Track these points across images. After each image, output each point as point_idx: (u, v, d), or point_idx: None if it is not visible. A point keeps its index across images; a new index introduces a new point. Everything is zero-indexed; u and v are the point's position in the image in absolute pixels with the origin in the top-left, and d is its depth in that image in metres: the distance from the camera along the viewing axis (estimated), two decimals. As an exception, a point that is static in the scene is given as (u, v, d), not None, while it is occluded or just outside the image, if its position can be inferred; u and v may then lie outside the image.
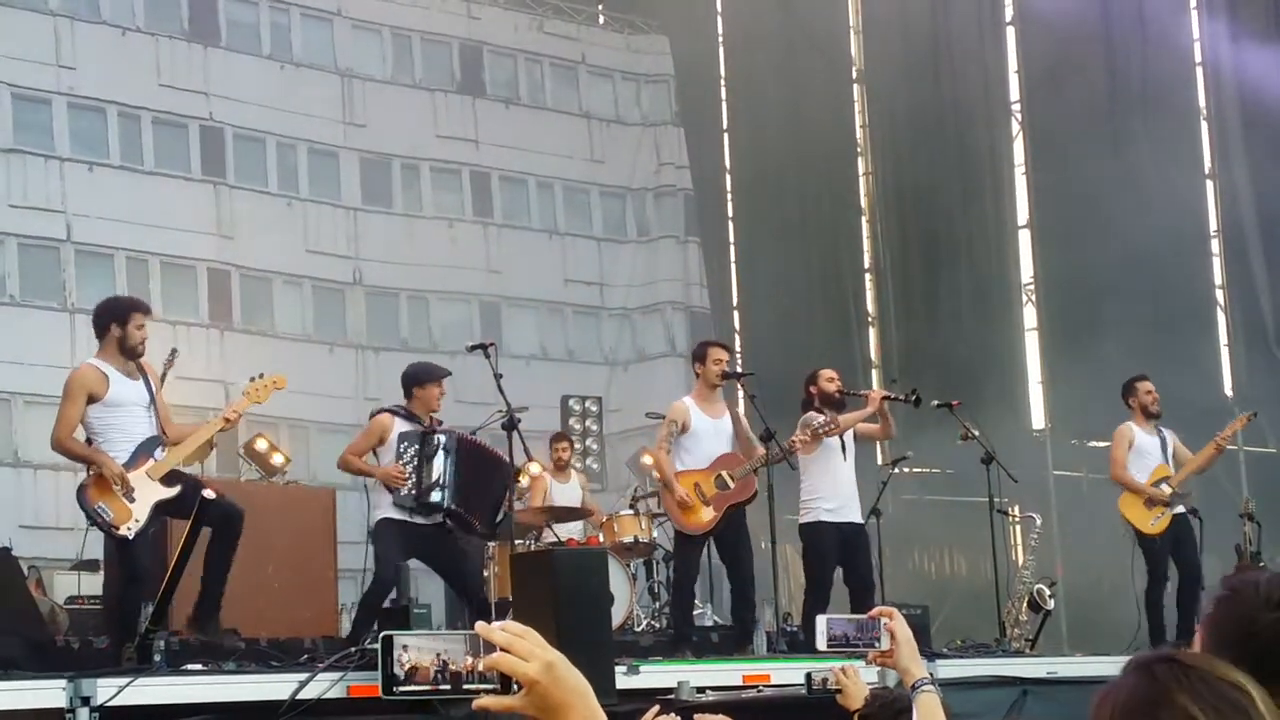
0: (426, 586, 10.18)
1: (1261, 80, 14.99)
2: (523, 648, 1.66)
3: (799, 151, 16.58)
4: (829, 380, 8.66)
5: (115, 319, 6.94)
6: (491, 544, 9.80)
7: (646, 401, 13.32)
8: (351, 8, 15.78)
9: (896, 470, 10.48)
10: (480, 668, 1.64)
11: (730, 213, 17.49)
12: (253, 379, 7.16)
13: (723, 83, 17.66)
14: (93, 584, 9.42)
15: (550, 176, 16.58)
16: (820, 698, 3.92)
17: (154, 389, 6.97)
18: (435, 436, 7.50)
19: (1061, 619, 12.05)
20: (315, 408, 13.13)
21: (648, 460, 12.73)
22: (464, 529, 7.65)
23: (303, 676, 6.14)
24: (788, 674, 7.09)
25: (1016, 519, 10.71)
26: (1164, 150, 15.21)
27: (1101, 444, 13.23)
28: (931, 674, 3.28)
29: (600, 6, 17.67)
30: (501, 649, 1.65)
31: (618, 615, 8.81)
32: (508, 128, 16.35)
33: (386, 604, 7.24)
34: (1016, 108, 16.06)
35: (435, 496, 7.40)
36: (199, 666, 6.53)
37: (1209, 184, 15.80)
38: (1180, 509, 9.34)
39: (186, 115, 14.56)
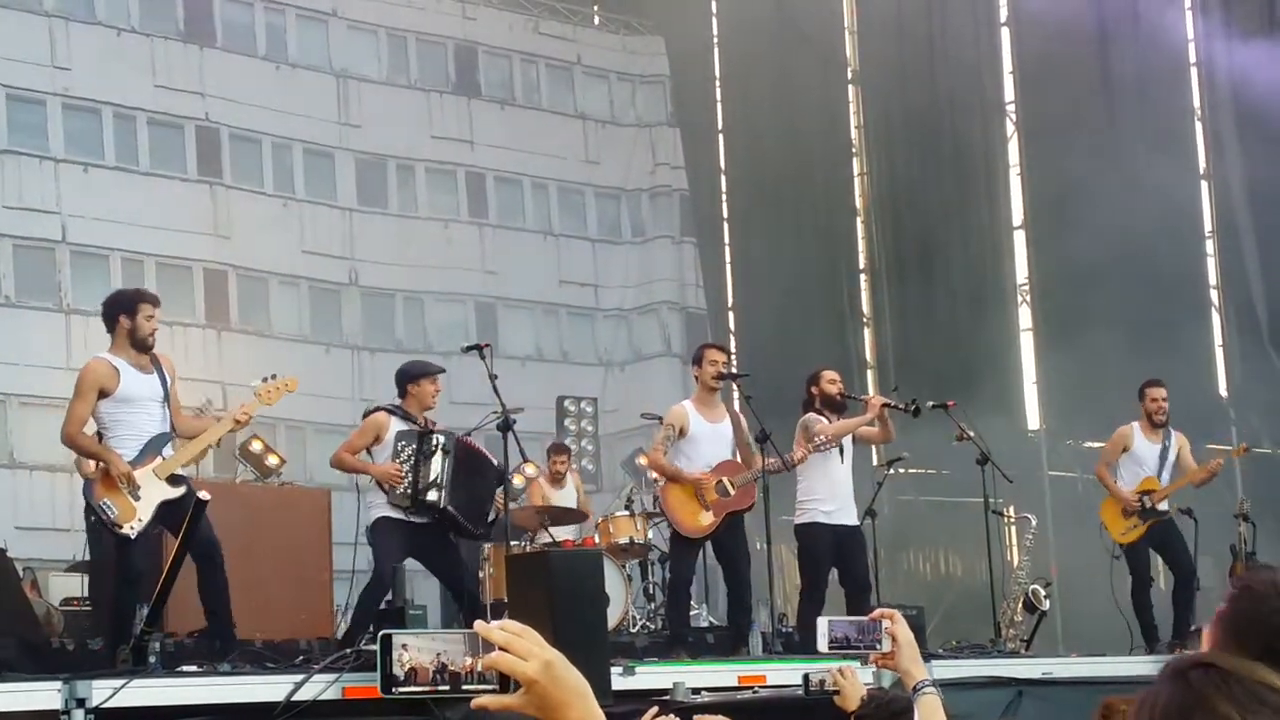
0: (423, 587, 10.17)
1: (1256, 79, 15.00)
2: (521, 647, 1.66)
3: (794, 152, 16.58)
4: (830, 382, 8.67)
5: (123, 310, 6.89)
6: (487, 545, 9.80)
7: (642, 402, 13.33)
8: (347, 8, 15.77)
9: (892, 471, 10.49)
10: (479, 667, 1.64)
11: (725, 213, 17.49)
12: (264, 379, 7.15)
13: (718, 83, 17.67)
14: (88, 586, 9.41)
15: (545, 177, 16.58)
16: (817, 699, 3.92)
17: (169, 382, 6.93)
18: (434, 436, 7.51)
19: (1056, 620, 12.06)
20: (312, 408, 13.11)
21: (643, 461, 12.75)
22: (456, 531, 7.65)
23: (298, 678, 6.14)
24: (783, 675, 7.09)
25: (1011, 520, 10.73)
26: (1158, 150, 15.21)
27: (1096, 445, 13.24)
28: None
29: (595, 7, 17.67)
30: (500, 648, 1.66)
31: (613, 616, 8.82)
32: (503, 128, 16.36)
33: (382, 605, 7.24)
34: (1011, 108, 16.06)
35: (432, 496, 7.39)
36: (194, 668, 6.53)
37: (1203, 183, 15.80)
38: (1155, 520, 9.35)
39: (182, 116, 14.55)
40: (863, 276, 16.99)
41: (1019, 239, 16.01)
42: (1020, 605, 9.41)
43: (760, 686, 7.06)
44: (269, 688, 6.11)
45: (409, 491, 7.40)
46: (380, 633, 5.71)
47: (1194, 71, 15.84)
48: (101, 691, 5.70)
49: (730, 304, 17.22)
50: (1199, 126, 15.81)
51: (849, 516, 8.59)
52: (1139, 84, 15.38)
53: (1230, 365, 15.41)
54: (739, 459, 8.27)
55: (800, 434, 8.51)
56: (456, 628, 8.40)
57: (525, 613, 6.54)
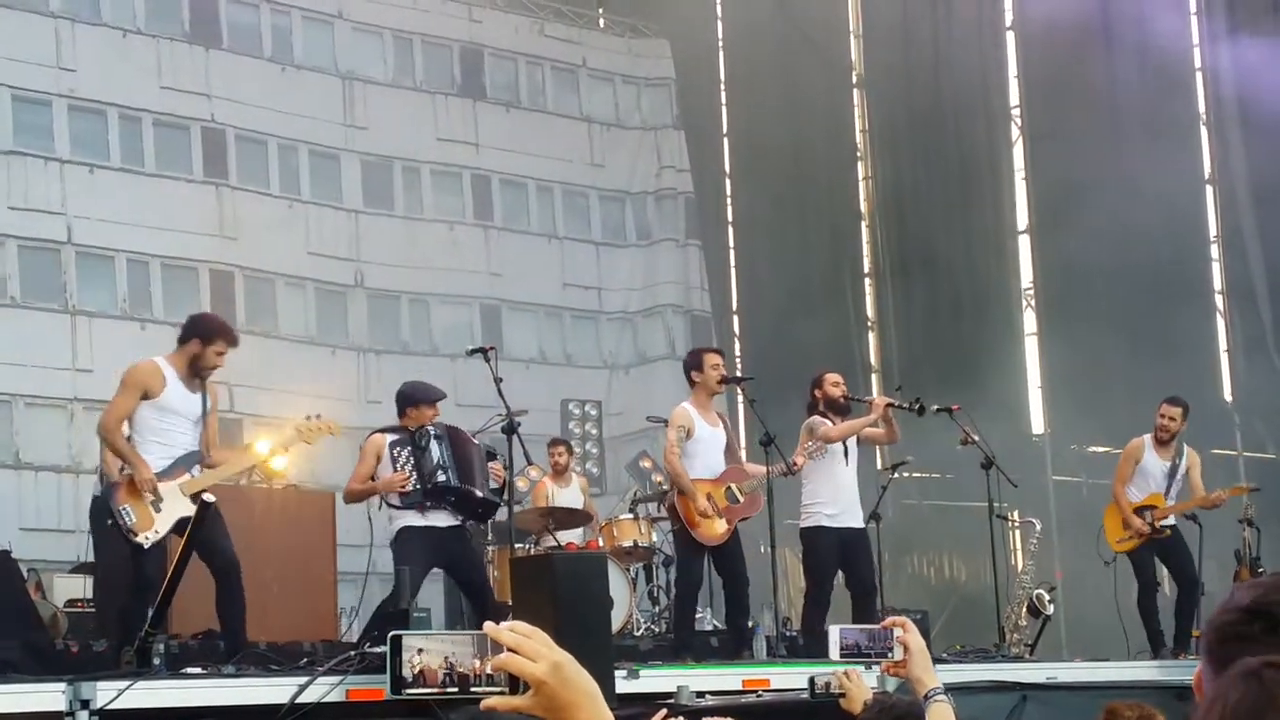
0: (426, 590, 10.17)
1: (1261, 84, 14.99)
2: (531, 648, 1.66)
3: (799, 155, 16.58)
4: (834, 385, 8.66)
5: (200, 336, 6.91)
6: (492, 548, 9.81)
7: (647, 405, 13.34)
8: (352, 10, 15.79)
9: (896, 475, 10.48)
10: (488, 668, 1.64)
11: (730, 216, 17.49)
12: (308, 417, 7.19)
13: (723, 87, 17.67)
14: (93, 588, 9.42)
15: (550, 180, 16.59)
16: (823, 702, 3.92)
17: (209, 408, 6.97)
18: (425, 429, 7.56)
19: (1061, 624, 12.05)
20: (318, 409, 13.08)
21: (647, 464, 12.75)
22: (474, 504, 7.63)
23: (302, 680, 6.14)
24: (787, 679, 7.09)
25: (1016, 524, 10.72)
26: (1163, 154, 15.20)
27: (1101, 449, 13.24)
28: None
29: (601, 10, 17.68)
30: (509, 649, 1.66)
31: (617, 619, 8.81)
32: (508, 131, 16.37)
33: (390, 609, 7.25)
34: (1016, 112, 16.05)
35: (441, 478, 7.44)
36: (198, 670, 6.54)
37: (1208, 188, 15.79)
38: (1164, 534, 9.37)
39: (188, 117, 14.57)
40: (867, 280, 16.98)
41: (1023, 243, 16.00)
42: (1024, 610, 9.40)
43: (764, 690, 7.06)
44: (273, 690, 6.11)
45: (419, 485, 7.43)
46: (390, 634, 5.71)
47: (1199, 76, 15.83)
48: (106, 693, 5.71)
49: (735, 307, 17.22)
50: (1204, 131, 15.79)
51: (854, 519, 8.58)
52: (1143, 88, 15.37)
53: (1235, 369, 15.38)
54: (733, 464, 8.29)
55: (805, 437, 8.51)
56: (460, 629, 8.42)
57: (529, 616, 6.54)
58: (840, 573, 8.59)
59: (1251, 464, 14.16)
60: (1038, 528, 10.11)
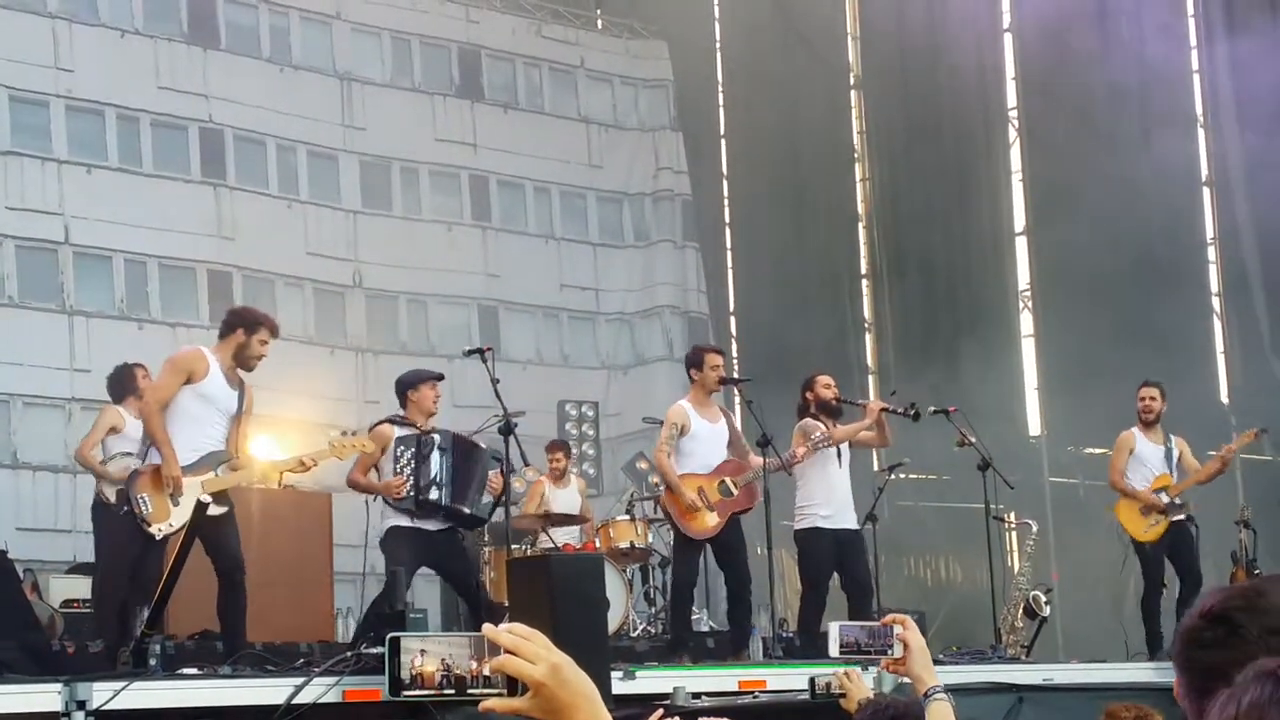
0: (423, 591, 10.18)
1: (1259, 87, 15.01)
2: (529, 650, 1.66)
3: (796, 157, 16.59)
4: (825, 387, 8.67)
5: (244, 325, 7.00)
6: (488, 549, 9.81)
7: (645, 406, 13.34)
8: (350, 11, 15.78)
9: (892, 476, 10.50)
10: (486, 670, 1.64)
11: (727, 218, 17.50)
12: (343, 433, 7.42)
13: (720, 88, 17.67)
14: (89, 588, 9.41)
15: (548, 181, 16.58)
16: (822, 703, 3.93)
17: (244, 408, 7.00)
18: (431, 436, 7.57)
19: (1057, 626, 12.05)
20: (317, 409, 13.13)
21: (644, 465, 12.75)
22: (461, 523, 7.67)
23: (298, 681, 6.14)
24: (784, 680, 7.10)
25: (1013, 525, 10.74)
26: (1160, 157, 15.22)
27: (1098, 450, 13.24)
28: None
29: (599, 11, 17.68)
30: (508, 651, 1.66)
31: (613, 620, 8.82)
32: (506, 132, 16.36)
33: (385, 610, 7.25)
34: (1013, 114, 16.07)
35: (434, 495, 7.45)
36: (194, 671, 6.54)
37: (1205, 190, 15.81)
38: (1179, 516, 9.35)
39: (186, 118, 14.55)
40: (864, 282, 16.99)
41: (1020, 244, 16.02)
42: (1021, 611, 9.42)
43: (760, 691, 7.06)
44: (269, 690, 6.11)
45: (412, 494, 7.44)
46: (388, 636, 5.72)
47: (1196, 78, 15.85)
48: (102, 694, 5.71)
49: (732, 308, 17.22)
50: (1201, 133, 15.81)
51: (848, 520, 8.60)
52: (1141, 90, 15.39)
53: (1232, 372, 15.41)
54: (736, 459, 8.29)
55: (798, 439, 8.53)
56: (457, 630, 8.42)
57: (526, 617, 6.54)
58: (836, 574, 8.59)
59: (1248, 466, 14.18)
60: (1034, 529, 10.13)
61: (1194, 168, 15.74)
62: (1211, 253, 15.79)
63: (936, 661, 7.84)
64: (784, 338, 15.28)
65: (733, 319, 17.18)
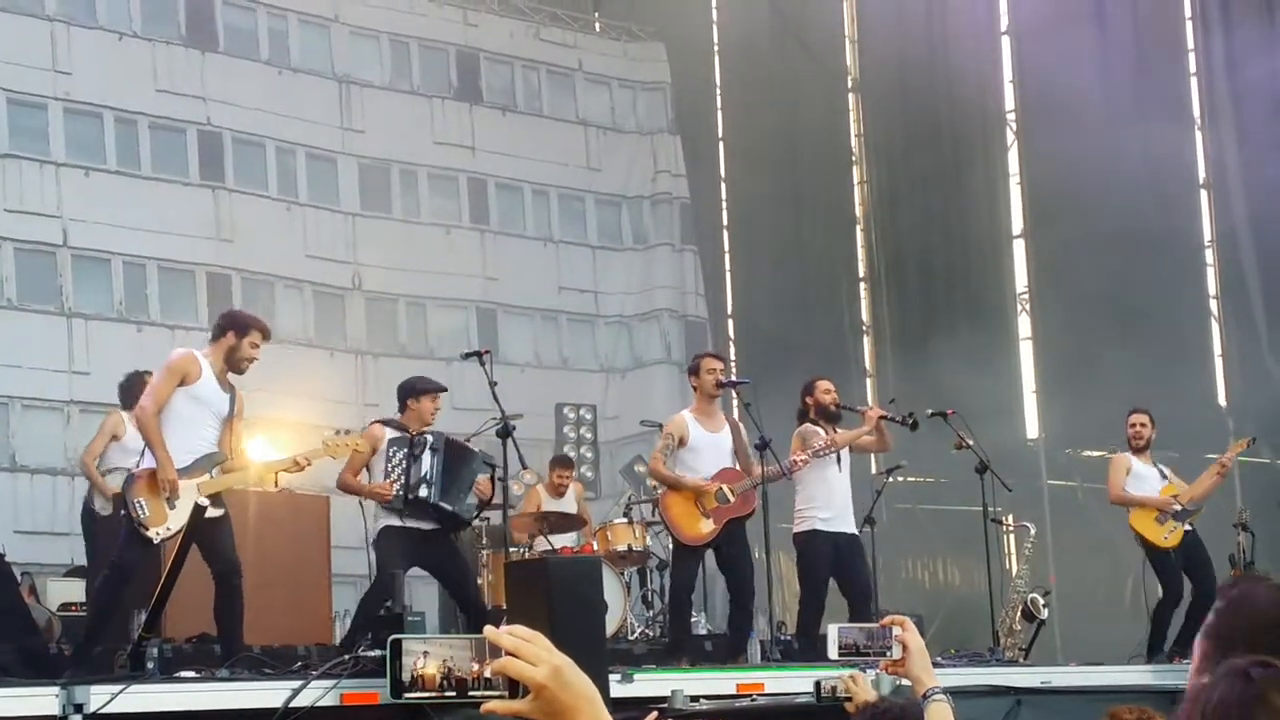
0: (421, 593, 10.17)
1: (1258, 90, 15.02)
2: (530, 652, 1.66)
3: (794, 160, 16.60)
4: (825, 392, 8.68)
5: (235, 328, 7.03)
6: (485, 551, 9.81)
7: (643, 409, 13.34)
8: (349, 14, 15.78)
9: (891, 479, 10.50)
10: (488, 672, 1.64)
11: (725, 221, 17.50)
12: (337, 432, 7.44)
13: (718, 91, 17.68)
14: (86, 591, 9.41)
15: (546, 183, 16.59)
16: (827, 705, 3.92)
17: (235, 411, 7.01)
18: (423, 436, 7.59)
19: (1055, 629, 12.06)
20: (317, 412, 13.12)
21: (642, 469, 12.75)
22: (450, 522, 7.67)
23: (296, 684, 6.14)
24: (782, 683, 7.10)
25: (1010, 528, 10.73)
26: (1158, 160, 15.23)
27: (1095, 453, 13.26)
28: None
29: (597, 14, 17.69)
30: (509, 653, 1.66)
31: (611, 623, 8.82)
32: (504, 134, 16.37)
33: (381, 611, 7.25)
34: (1011, 117, 16.08)
35: (423, 492, 7.47)
36: (192, 674, 6.53)
37: (1203, 193, 15.82)
38: (1189, 526, 9.37)
39: (184, 120, 14.55)
40: (862, 285, 16.99)
41: (1018, 248, 16.02)
42: (1019, 614, 9.41)
43: (758, 695, 7.06)
44: (267, 694, 6.11)
45: (401, 494, 7.46)
46: (390, 638, 5.72)
47: (1193, 81, 15.86)
48: (99, 697, 5.70)
49: (730, 311, 17.22)
50: (1198, 135, 15.82)
51: (847, 524, 8.60)
52: (1139, 94, 15.40)
53: (1230, 375, 15.41)
54: (739, 467, 8.28)
55: (797, 444, 8.53)
56: (455, 633, 8.42)
57: (524, 619, 6.53)
58: (834, 578, 8.59)
59: (1246, 468, 14.18)
60: (1032, 532, 10.12)
61: (1191, 170, 15.75)
62: (1209, 255, 15.80)
63: (935, 664, 7.84)
64: (782, 340, 15.28)
65: (731, 322, 17.18)
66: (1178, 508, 9.29)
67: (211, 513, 6.73)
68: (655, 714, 2.89)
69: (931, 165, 16.13)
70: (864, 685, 3.84)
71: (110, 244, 13.98)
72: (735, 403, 9.31)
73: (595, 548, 9.86)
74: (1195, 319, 15.56)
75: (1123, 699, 5.27)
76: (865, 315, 16.89)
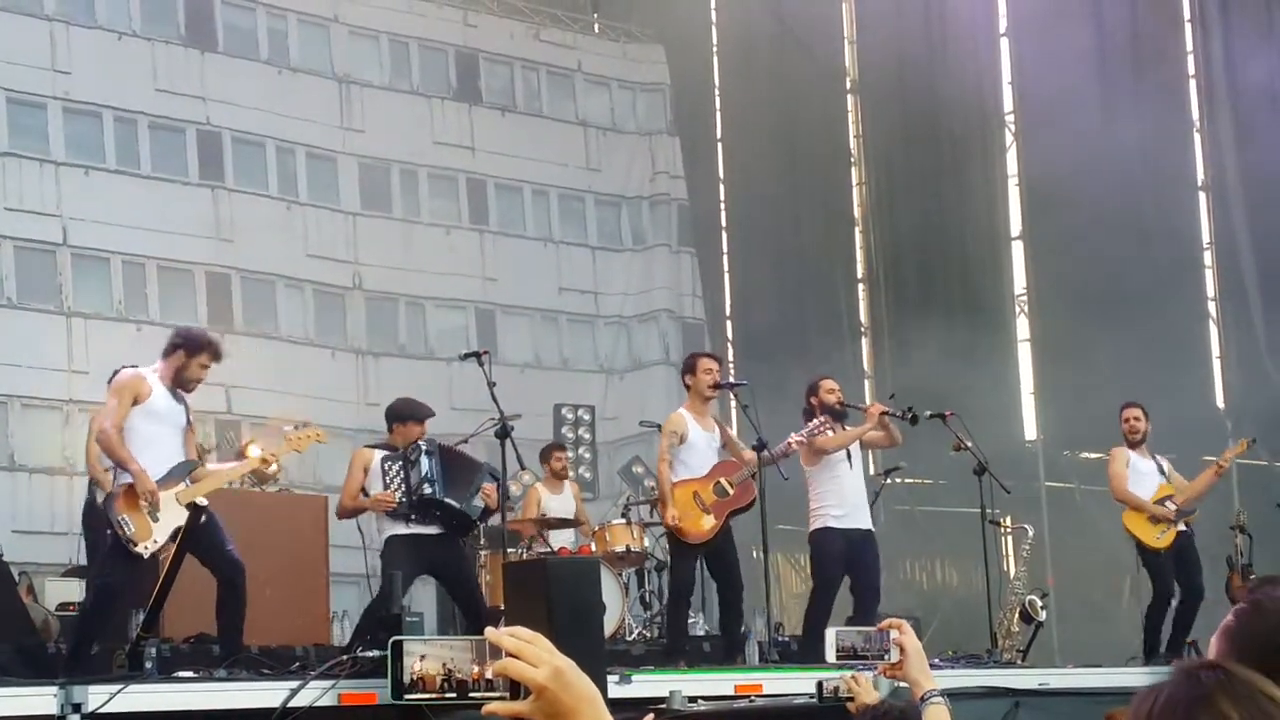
0: (419, 595, 10.17)
1: (1256, 92, 15.04)
2: (532, 653, 1.67)
3: (793, 161, 16.59)
4: (829, 391, 8.71)
5: (186, 348, 7.00)
6: (484, 553, 9.81)
7: (642, 409, 13.32)
8: (348, 14, 15.78)
9: (889, 481, 10.51)
10: (489, 673, 1.65)
11: (724, 222, 17.50)
12: (295, 426, 7.35)
13: (717, 92, 17.68)
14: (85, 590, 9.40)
15: (546, 184, 16.58)
16: (829, 706, 3.93)
17: (190, 419, 7.05)
18: (415, 444, 7.64)
19: (1053, 630, 12.07)
20: (319, 411, 13.10)
21: (639, 469, 12.76)
22: (456, 520, 7.66)
23: (294, 684, 6.14)
24: (780, 684, 7.10)
25: (1008, 530, 10.73)
26: (1157, 162, 15.25)
27: (1094, 455, 13.26)
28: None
29: (596, 15, 17.69)
30: (510, 655, 1.66)
31: (610, 624, 8.81)
32: (504, 135, 16.35)
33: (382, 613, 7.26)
34: (1010, 118, 16.09)
35: (428, 490, 7.48)
36: (190, 674, 6.54)
37: (1201, 195, 15.84)
38: (1184, 526, 9.38)
39: (184, 120, 14.55)
40: (861, 286, 16.99)
41: (1017, 249, 16.04)
42: (1017, 616, 9.42)
43: (756, 695, 7.06)
44: (265, 694, 6.11)
45: (405, 499, 7.47)
46: (391, 640, 5.72)
47: (1193, 84, 15.88)
48: (98, 696, 5.71)
49: (728, 313, 17.22)
50: (1197, 139, 15.84)
51: (861, 521, 8.64)
52: (1138, 96, 15.42)
53: (1228, 377, 15.43)
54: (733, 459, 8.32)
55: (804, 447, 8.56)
56: (453, 634, 8.42)
57: (522, 620, 6.54)
58: (848, 575, 8.61)
59: (1243, 470, 14.19)
60: (1030, 534, 10.13)
61: (1190, 172, 15.77)
62: (1208, 258, 15.81)
63: (932, 665, 7.85)
64: (780, 342, 15.29)
65: (729, 323, 17.18)
66: (1173, 510, 9.29)
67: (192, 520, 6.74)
68: (652, 715, 2.90)
69: (930, 166, 16.13)
70: (866, 686, 3.84)
71: (110, 243, 13.98)
72: (733, 404, 9.32)
73: (593, 549, 9.86)
74: (1193, 321, 15.58)
75: (1120, 701, 5.28)
76: (864, 316, 16.89)
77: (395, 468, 7.57)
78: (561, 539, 10.24)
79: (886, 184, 16.77)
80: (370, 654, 6.34)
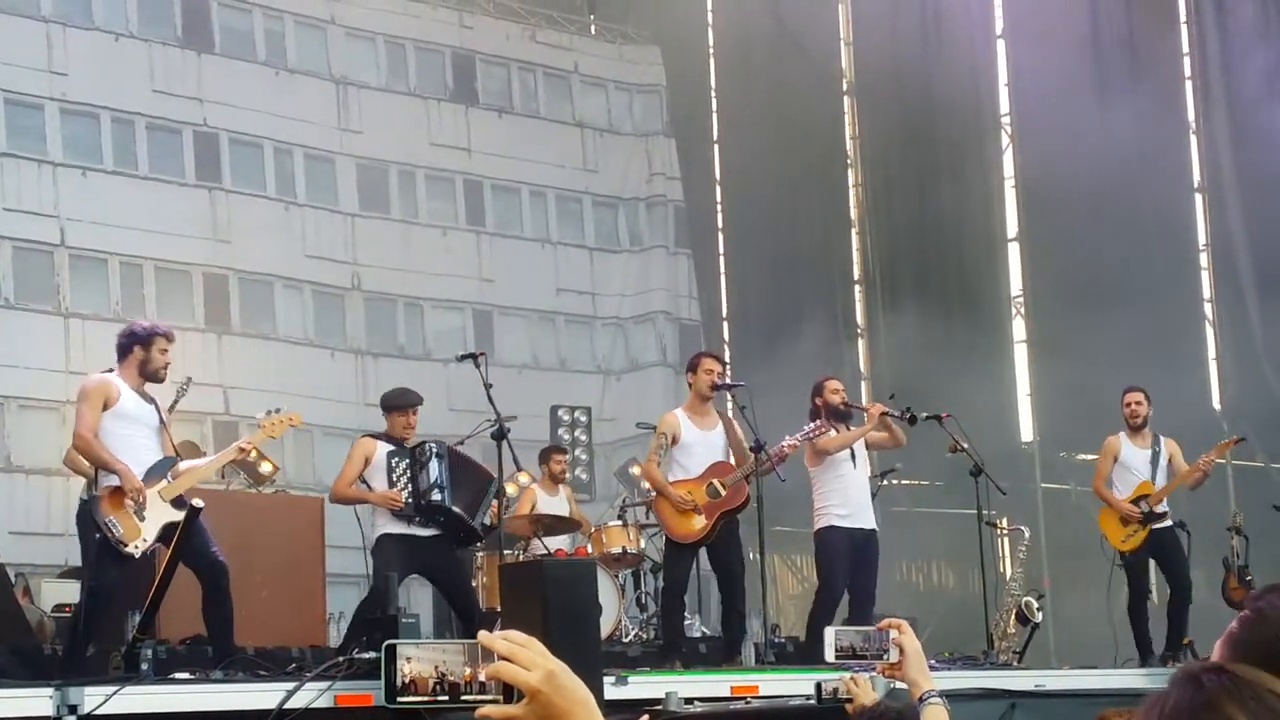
0: (415, 596, 10.17)
1: (1253, 94, 15.05)
2: (525, 657, 1.66)
3: (789, 163, 16.59)
4: (834, 391, 8.73)
5: (139, 342, 6.97)
6: (480, 554, 9.81)
7: (639, 411, 13.33)
8: (345, 15, 15.78)
9: (885, 482, 10.51)
10: (482, 677, 1.65)
11: (720, 224, 17.50)
12: (269, 413, 7.31)
13: (713, 94, 17.68)
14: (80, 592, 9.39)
15: (543, 185, 16.59)
16: (828, 707, 3.93)
17: (162, 418, 7.04)
18: (426, 445, 7.60)
19: (1049, 632, 12.07)
20: (318, 412, 13.12)
21: (636, 471, 12.76)
22: (461, 530, 7.67)
23: (290, 686, 6.14)
24: (777, 685, 7.10)
25: (1005, 531, 10.74)
26: (1154, 163, 15.26)
27: (1090, 456, 13.26)
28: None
29: (592, 16, 17.69)
30: (503, 658, 1.66)
31: (606, 626, 8.81)
32: (500, 136, 16.36)
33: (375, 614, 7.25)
34: (1006, 120, 16.10)
35: (435, 497, 7.49)
36: (186, 675, 6.53)
37: (1198, 197, 15.85)
38: (1166, 523, 9.36)
39: (181, 121, 14.55)
40: (857, 288, 17.00)
41: (1013, 251, 16.04)
42: (1013, 617, 9.42)
43: (753, 697, 7.07)
44: (261, 695, 6.11)
45: (411, 501, 7.47)
46: (385, 643, 5.73)
47: (1189, 84, 15.89)
48: (94, 698, 5.70)
49: (725, 314, 17.23)
50: (1193, 139, 15.86)
51: (866, 520, 8.67)
52: (1134, 98, 15.43)
53: (1224, 378, 15.44)
54: (733, 462, 8.31)
55: (808, 448, 8.56)
56: (449, 636, 8.42)
57: (518, 622, 6.54)
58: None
59: (1240, 472, 14.21)
60: (1026, 535, 10.14)
61: (1187, 174, 15.79)
62: (1204, 258, 15.83)
63: (929, 667, 7.85)
64: (777, 344, 15.29)
65: (725, 324, 17.18)
66: (1143, 511, 9.24)
67: (176, 516, 6.74)
68: (648, 717, 2.90)
69: (926, 168, 16.14)
70: (865, 688, 3.84)
71: (107, 244, 13.97)
72: (730, 404, 9.33)
73: (590, 550, 9.86)
74: (1190, 322, 15.59)
75: (1116, 702, 5.29)
76: (860, 318, 16.89)
77: (402, 466, 7.55)
78: (557, 541, 10.23)
79: (883, 185, 16.77)
80: (366, 655, 6.34)
